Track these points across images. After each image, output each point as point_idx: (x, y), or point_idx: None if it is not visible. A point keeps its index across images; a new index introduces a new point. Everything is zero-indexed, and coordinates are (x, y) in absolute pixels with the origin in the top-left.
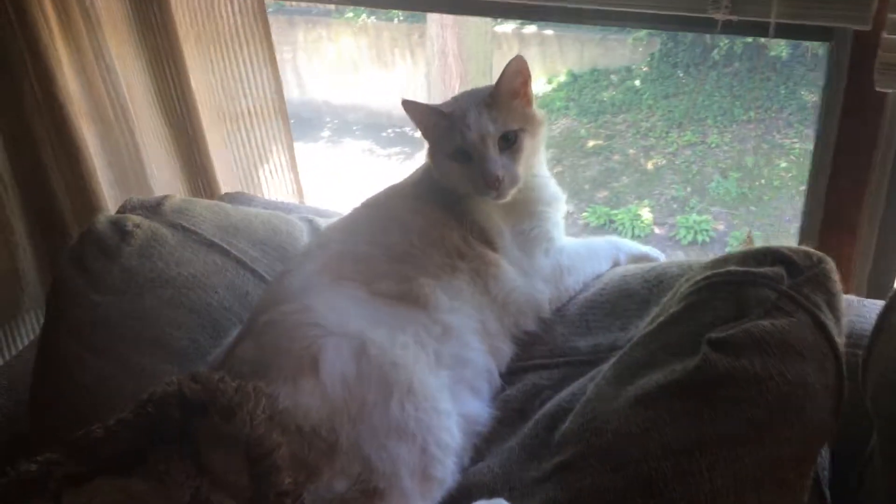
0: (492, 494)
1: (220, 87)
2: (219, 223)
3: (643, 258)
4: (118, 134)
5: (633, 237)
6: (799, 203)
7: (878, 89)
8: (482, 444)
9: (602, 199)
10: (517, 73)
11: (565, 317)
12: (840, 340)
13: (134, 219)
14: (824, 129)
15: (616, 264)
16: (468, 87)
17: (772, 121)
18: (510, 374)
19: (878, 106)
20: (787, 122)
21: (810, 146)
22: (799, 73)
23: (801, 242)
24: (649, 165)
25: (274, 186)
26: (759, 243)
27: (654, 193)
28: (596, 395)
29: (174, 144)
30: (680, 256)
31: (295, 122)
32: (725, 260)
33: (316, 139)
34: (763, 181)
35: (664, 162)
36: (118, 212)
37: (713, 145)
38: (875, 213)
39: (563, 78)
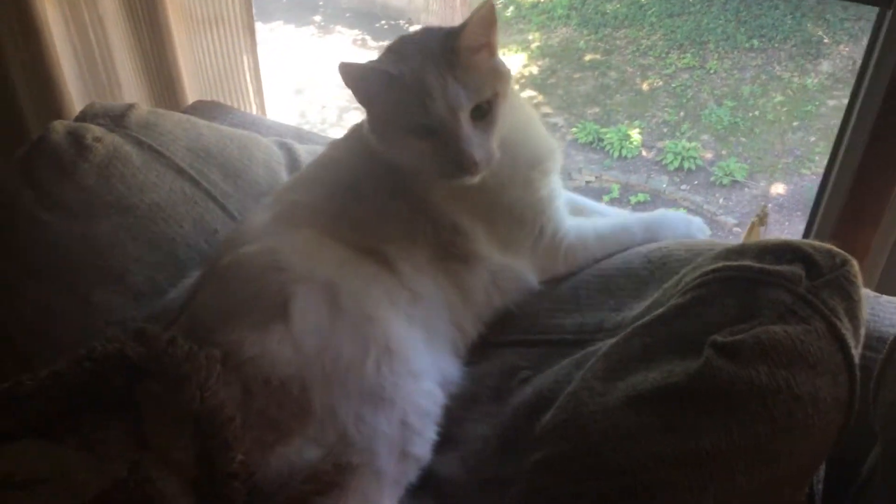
0: (463, 490)
1: None
2: (190, 145)
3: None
4: (85, 15)
5: (619, 158)
6: (791, 139)
7: None
8: (451, 427)
9: (593, 116)
10: (484, 22)
11: (554, 290)
12: (856, 352)
13: (95, 130)
14: (864, 106)
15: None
16: None
17: (774, 51)
18: (484, 349)
19: None
20: (788, 55)
21: (809, 81)
22: (808, 5)
23: (813, 222)
24: (645, 86)
25: (238, 101)
26: (741, 175)
27: (646, 115)
28: (582, 387)
29: (136, 40)
30: (664, 181)
31: (287, 2)
32: (740, 252)
33: (307, 22)
34: (757, 113)
35: (660, 83)
36: (77, 118)
37: (711, 71)
38: None
39: None
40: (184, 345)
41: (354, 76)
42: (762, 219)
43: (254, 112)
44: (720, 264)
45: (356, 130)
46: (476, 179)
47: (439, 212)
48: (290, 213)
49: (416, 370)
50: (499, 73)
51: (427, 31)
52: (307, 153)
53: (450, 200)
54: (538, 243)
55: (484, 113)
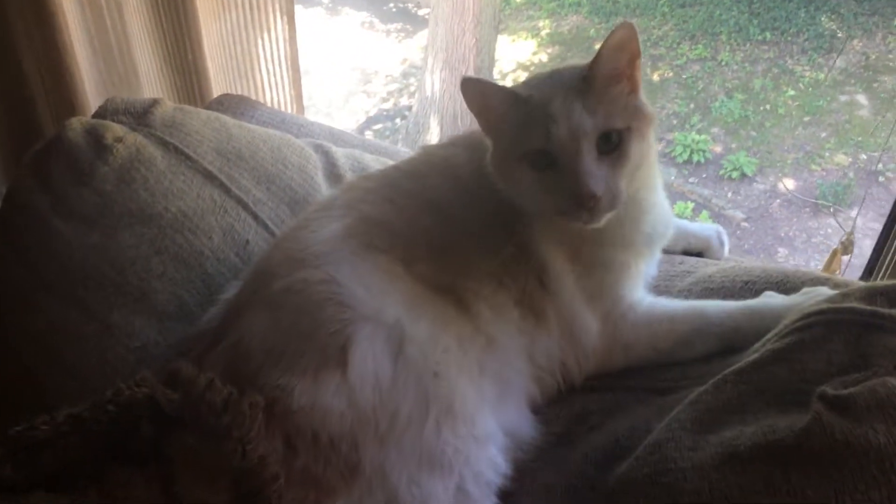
0: None
1: None
2: (219, 147)
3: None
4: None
5: None
6: (801, 134)
7: None
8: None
9: None
10: (621, 49)
11: None
12: None
13: (115, 129)
14: None
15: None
16: None
17: (786, 45)
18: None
19: None
20: (801, 49)
21: (821, 75)
22: None
23: (882, 248)
24: (655, 76)
25: (269, 96)
26: (751, 169)
27: (655, 106)
28: (668, 439)
29: (157, 25)
30: (672, 173)
31: None
32: (846, 294)
33: (315, 3)
34: (768, 106)
35: (671, 74)
36: (96, 115)
37: (723, 63)
38: None
39: None
40: (223, 390)
41: (476, 92)
42: (846, 247)
43: (289, 108)
44: (823, 306)
45: (457, 142)
46: (599, 223)
47: (535, 248)
48: (362, 231)
49: (481, 435)
50: (638, 111)
51: (570, 66)
52: (345, 157)
53: (551, 240)
54: (596, 329)
55: (613, 146)
